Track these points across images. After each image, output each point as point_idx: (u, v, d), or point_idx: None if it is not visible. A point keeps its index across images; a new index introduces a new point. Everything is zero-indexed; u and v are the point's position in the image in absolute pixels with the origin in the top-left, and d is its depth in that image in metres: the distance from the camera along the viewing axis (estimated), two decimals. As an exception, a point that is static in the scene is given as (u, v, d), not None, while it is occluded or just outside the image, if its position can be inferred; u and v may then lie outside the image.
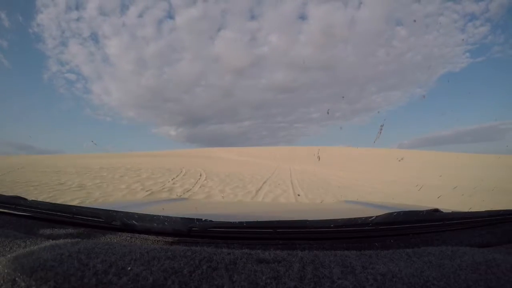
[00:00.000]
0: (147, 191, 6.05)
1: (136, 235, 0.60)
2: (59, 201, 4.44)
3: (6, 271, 0.37)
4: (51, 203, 0.68)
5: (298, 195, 6.29)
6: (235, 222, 0.58)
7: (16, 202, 0.69)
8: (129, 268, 0.40)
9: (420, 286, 0.38)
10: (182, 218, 0.59)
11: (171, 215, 0.60)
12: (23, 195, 0.74)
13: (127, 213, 0.63)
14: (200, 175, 9.31)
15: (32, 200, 0.71)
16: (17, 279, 0.36)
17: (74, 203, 4.31)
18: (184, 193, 6.08)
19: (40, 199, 3.95)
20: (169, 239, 0.58)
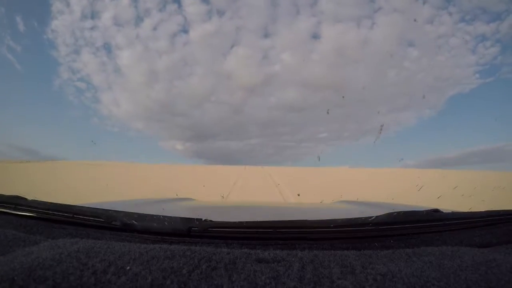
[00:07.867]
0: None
1: (136, 234, 0.60)
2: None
3: (5, 270, 0.37)
4: (51, 203, 0.68)
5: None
6: (235, 222, 0.58)
7: (16, 201, 0.69)
8: (128, 268, 0.40)
9: (420, 286, 0.37)
10: (182, 218, 0.58)
11: (171, 215, 0.60)
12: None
13: (127, 213, 0.62)
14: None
15: (32, 199, 0.71)
16: (15, 278, 0.36)
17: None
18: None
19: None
20: (169, 239, 0.58)
